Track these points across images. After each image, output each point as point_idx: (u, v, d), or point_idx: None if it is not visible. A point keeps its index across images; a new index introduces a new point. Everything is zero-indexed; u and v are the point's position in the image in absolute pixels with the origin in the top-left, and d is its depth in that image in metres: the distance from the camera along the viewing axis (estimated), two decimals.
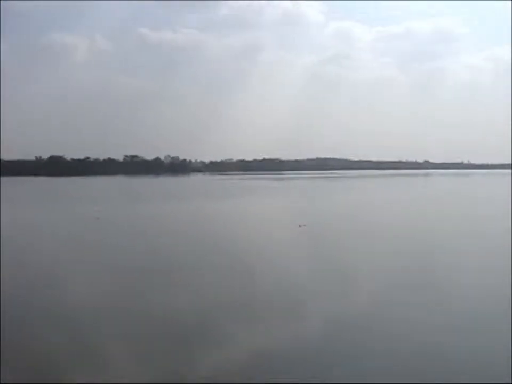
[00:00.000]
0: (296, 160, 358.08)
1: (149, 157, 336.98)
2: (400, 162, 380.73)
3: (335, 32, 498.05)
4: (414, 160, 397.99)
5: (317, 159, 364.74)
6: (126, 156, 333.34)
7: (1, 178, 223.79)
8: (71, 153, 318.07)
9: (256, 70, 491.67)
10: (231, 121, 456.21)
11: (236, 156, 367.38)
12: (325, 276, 22.49)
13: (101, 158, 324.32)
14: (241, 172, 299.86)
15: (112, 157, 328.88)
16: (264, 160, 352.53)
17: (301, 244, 32.00)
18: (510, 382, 11.34)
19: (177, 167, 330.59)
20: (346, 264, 25.43)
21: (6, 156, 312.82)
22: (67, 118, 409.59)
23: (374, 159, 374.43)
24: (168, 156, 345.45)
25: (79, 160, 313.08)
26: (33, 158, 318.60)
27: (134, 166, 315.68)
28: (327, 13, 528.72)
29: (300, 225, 38.53)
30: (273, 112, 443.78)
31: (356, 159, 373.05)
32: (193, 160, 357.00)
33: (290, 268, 24.42)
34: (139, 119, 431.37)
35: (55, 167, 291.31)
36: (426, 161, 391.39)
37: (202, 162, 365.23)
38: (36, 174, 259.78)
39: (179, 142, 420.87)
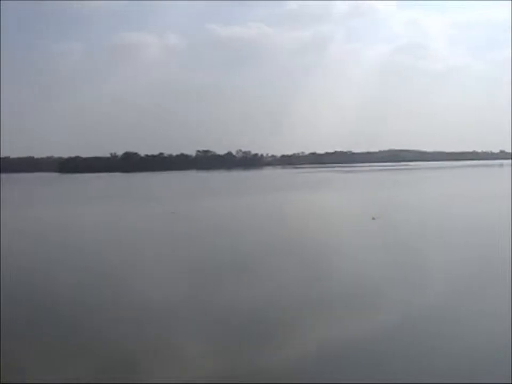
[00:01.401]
0: (368, 152, 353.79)
1: (221, 151, 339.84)
2: (474, 152, 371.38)
3: (406, 21, 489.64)
4: (489, 150, 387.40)
5: (389, 150, 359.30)
6: (199, 151, 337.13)
7: (79, 175, 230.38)
8: (145, 149, 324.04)
9: (326, 62, 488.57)
10: (302, 114, 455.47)
11: (308, 149, 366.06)
12: (400, 269, 22.18)
13: (174, 153, 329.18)
14: (312, 165, 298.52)
15: (185, 152, 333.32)
16: (335, 152, 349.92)
17: (375, 237, 31.64)
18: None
19: (249, 161, 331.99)
20: (421, 257, 25.02)
21: (83, 153, 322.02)
22: (141, 115, 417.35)
23: (447, 150, 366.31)
24: (240, 150, 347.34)
25: (152, 156, 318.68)
26: (108, 155, 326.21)
27: (206, 161, 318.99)
28: (397, 2, 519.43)
29: (373, 218, 38.14)
30: (344, 104, 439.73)
31: (429, 150, 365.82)
32: (264, 155, 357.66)
33: (364, 261, 24.19)
34: (211, 115, 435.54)
35: (129, 163, 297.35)
36: (502, 152, 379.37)
37: (274, 156, 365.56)
38: (110, 171, 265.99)
39: (251, 137, 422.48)
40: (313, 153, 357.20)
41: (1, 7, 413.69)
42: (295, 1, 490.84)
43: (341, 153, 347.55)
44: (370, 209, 45.55)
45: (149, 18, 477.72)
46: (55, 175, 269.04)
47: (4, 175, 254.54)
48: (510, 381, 11.28)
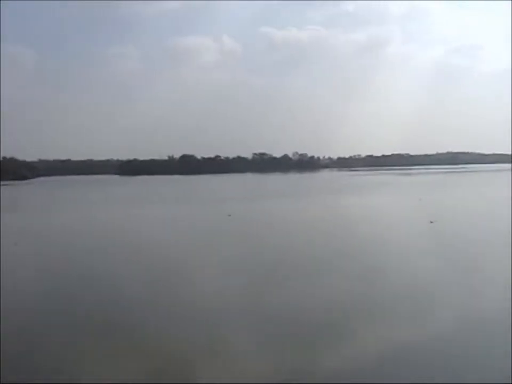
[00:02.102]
0: (426, 155, 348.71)
1: (277, 154, 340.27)
2: None
3: (462, 23, 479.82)
4: None
5: (447, 153, 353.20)
6: (255, 154, 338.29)
7: (137, 177, 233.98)
8: (202, 152, 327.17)
9: (382, 64, 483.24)
10: (359, 116, 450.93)
11: (364, 152, 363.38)
12: (457, 274, 22.08)
13: (231, 156, 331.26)
14: (369, 168, 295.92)
15: (241, 155, 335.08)
16: (392, 155, 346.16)
17: (433, 241, 31.43)
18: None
19: (305, 163, 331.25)
20: (480, 262, 24.77)
21: (141, 156, 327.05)
22: (197, 118, 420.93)
23: (508, 152, 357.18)
24: (296, 152, 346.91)
25: (209, 158, 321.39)
26: (166, 158, 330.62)
27: (263, 164, 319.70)
28: (453, 3, 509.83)
29: (431, 221, 37.92)
30: (400, 106, 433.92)
31: (489, 153, 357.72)
32: (321, 157, 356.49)
33: (421, 265, 24.16)
34: (267, 117, 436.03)
35: (187, 165, 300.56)
36: None
37: (330, 159, 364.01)
38: (168, 173, 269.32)
39: (307, 139, 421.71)
40: (370, 156, 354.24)
41: (58, 11, 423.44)
42: (351, 3, 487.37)
43: (398, 155, 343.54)
44: (428, 212, 45.18)
45: (205, 22, 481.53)
46: (114, 177, 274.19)
47: (67, 177, 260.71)
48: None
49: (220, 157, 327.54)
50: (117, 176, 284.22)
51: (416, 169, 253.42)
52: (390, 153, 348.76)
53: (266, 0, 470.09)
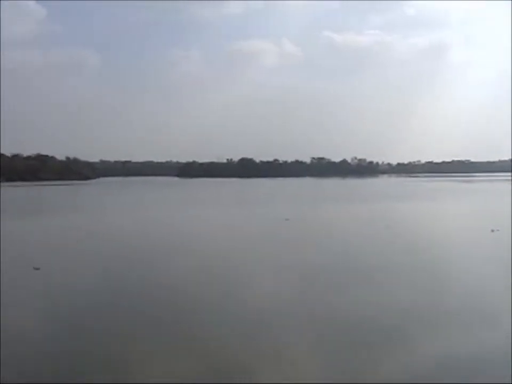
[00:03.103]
0: (488, 162, 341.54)
1: (336, 159, 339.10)
2: None
3: None
4: None
5: (511, 160, 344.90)
6: (313, 158, 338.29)
7: (197, 179, 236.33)
8: (261, 155, 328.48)
9: (443, 69, 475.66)
10: (419, 122, 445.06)
11: (424, 158, 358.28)
12: None
13: (289, 160, 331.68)
14: (429, 174, 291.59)
15: (300, 159, 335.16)
16: (453, 161, 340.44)
17: (494, 250, 30.82)
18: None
19: (364, 169, 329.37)
20: None
21: (200, 158, 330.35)
22: (257, 121, 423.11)
23: None
24: (355, 157, 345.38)
25: (268, 162, 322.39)
26: (225, 161, 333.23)
27: (321, 168, 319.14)
28: None
29: (492, 230, 37.21)
30: (462, 112, 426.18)
31: None
32: (380, 162, 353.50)
33: (481, 274, 23.77)
34: (326, 122, 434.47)
35: (245, 169, 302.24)
36: None
37: (389, 164, 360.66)
38: (226, 176, 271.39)
39: (366, 144, 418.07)
40: (430, 162, 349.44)
41: (122, 14, 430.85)
42: (411, 7, 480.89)
43: (459, 162, 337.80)
44: (489, 221, 44.28)
45: (266, 26, 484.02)
46: (174, 179, 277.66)
47: (127, 178, 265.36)
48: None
49: (278, 160, 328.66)
50: (176, 178, 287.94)
51: (478, 176, 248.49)
52: (450, 160, 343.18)
53: (327, 1, 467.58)
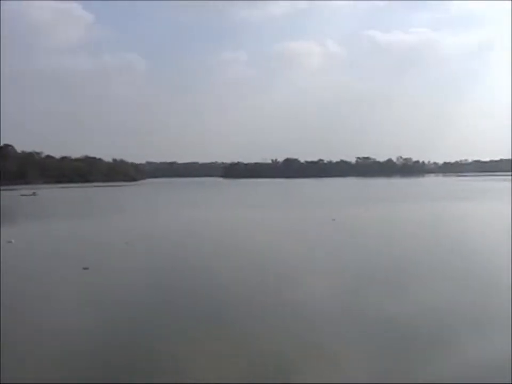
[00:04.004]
0: None
1: (381, 158, 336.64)
2: None
3: None
4: None
5: None
6: (358, 158, 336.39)
7: (241, 180, 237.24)
8: (305, 155, 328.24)
9: (489, 68, 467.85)
10: (467, 120, 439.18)
11: (471, 157, 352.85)
12: None
13: (334, 160, 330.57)
14: (476, 173, 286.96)
15: (345, 159, 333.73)
16: (501, 160, 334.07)
17: None
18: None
19: (409, 168, 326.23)
20: None
21: (245, 159, 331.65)
22: (302, 122, 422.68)
23: None
24: (400, 157, 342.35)
25: (312, 162, 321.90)
26: (270, 161, 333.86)
27: (366, 168, 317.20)
28: None
29: None
30: (509, 110, 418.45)
31: None
32: (426, 162, 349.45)
33: None
34: (372, 121, 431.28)
35: (290, 169, 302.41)
36: None
37: (436, 164, 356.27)
38: (271, 176, 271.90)
39: (412, 143, 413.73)
40: (477, 161, 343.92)
41: (171, 17, 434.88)
42: (459, 5, 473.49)
43: (507, 161, 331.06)
44: None
45: (310, 26, 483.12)
46: (219, 179, 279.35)
47: (173, 179, 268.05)
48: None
49: (323, 160, 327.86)
50: (220, 179, 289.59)
51: None
52: (498, 159, 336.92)
53: (371, 0, 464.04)
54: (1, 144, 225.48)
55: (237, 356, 13.47)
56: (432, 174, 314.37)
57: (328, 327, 15.72)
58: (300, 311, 17.45)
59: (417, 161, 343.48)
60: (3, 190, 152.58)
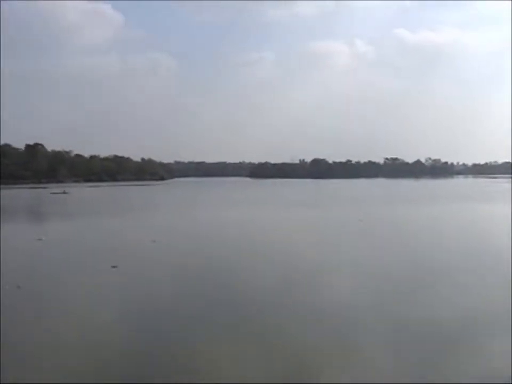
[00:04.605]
0: None
1: (410, 159, 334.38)
2: None
3: None
4: None
5: None
6: (387, 159, 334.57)
7: (269, 180, 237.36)
8: (333, 156, 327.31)
9: None
10: (497, 121, 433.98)
11: (501, 158, 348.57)
12: None
13: (362, 160, 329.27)
14: (506, 175, 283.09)
15: (373, 159, 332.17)
16: None
17: None
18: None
19: (438, 169, 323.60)
20: None
21: (272, 159, 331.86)
22: (330, 122, 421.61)
23: None
24: (429, 158, 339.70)
25: (340, 162, 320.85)
26: (297, 161, 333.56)
27: (394, 169, 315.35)
28: None
29: None
30: None
31: None
32: (455, 163, 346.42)
33: None
34: (400, 121, 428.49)
35: (317, 169, 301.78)
36: None
37: (465, 165, 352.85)
38: (298, 176, 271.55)
39: (441, 144, 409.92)
40: (507, 162, 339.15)
41: (197, 19, 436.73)
42: (487, 4, 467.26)
43: None
44: None
45: (337, 26, 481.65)
46: (246, 179, 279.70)
47: (201, 179, 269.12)
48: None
49: (350, 161, 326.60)
50: (248, 179, 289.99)
51: None
52: None
53: (400, 1, 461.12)
54: (32, 143, 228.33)
55: (268, 358, 13.44)
56: (461, 176, 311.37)
57: (360, 329, 15.70)
58: (330, 312, 17.48)
59: (446, 163, 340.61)
60: (33, 188, 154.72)
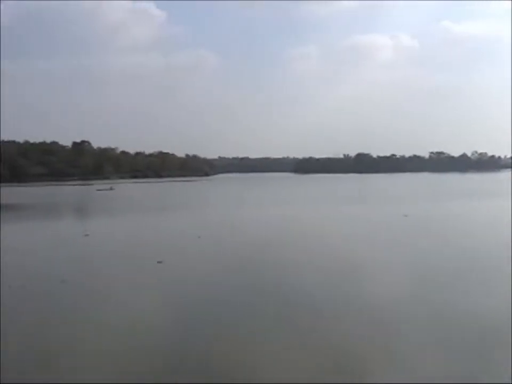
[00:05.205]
0: None
1: (455, 153, 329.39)
2: None
3: None
4: None
5: None
6: (432, 153, 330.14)
7: (313, 175, 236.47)
8: (377, 150, 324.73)
9: None
10: None
11: None
12: None
13: (406, 155, 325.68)
14: None
15: (418, 153, 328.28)
16: None
17: None
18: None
19: (485, 163, 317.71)
20: None
21: (316, 154, 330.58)
22: (374, 116, 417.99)
23: None
24: (475, 151, 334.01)
25: (385, 157, 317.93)
26: (341, 156, 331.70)
27: (440, 163, 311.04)
28: None
29: None
30: None
31: None
32: (502, 156, 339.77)
33: None
34: (446, 115, 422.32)
35: (362, 164, 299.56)
36: None
37: None
38: (343, 171, 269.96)
39: (488, 138, 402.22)
40: None
41: (241, 14, 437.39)
42: None
43: None
44: None
45: (381, 19, 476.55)
46: (290, 174, 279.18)
47: (245, 175, 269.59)
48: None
49: (395, 155, 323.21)
50: (292, 174, 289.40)
51: None
52: None
53: None
54: (79, 141, 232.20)
55: (320, 352, 13.44)
56: (509, 169, 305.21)
57: (411, 327, 15.50)
58: (382, 306, 17.42)
59: (493, 156, 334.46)
60: (80, 185, 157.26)
